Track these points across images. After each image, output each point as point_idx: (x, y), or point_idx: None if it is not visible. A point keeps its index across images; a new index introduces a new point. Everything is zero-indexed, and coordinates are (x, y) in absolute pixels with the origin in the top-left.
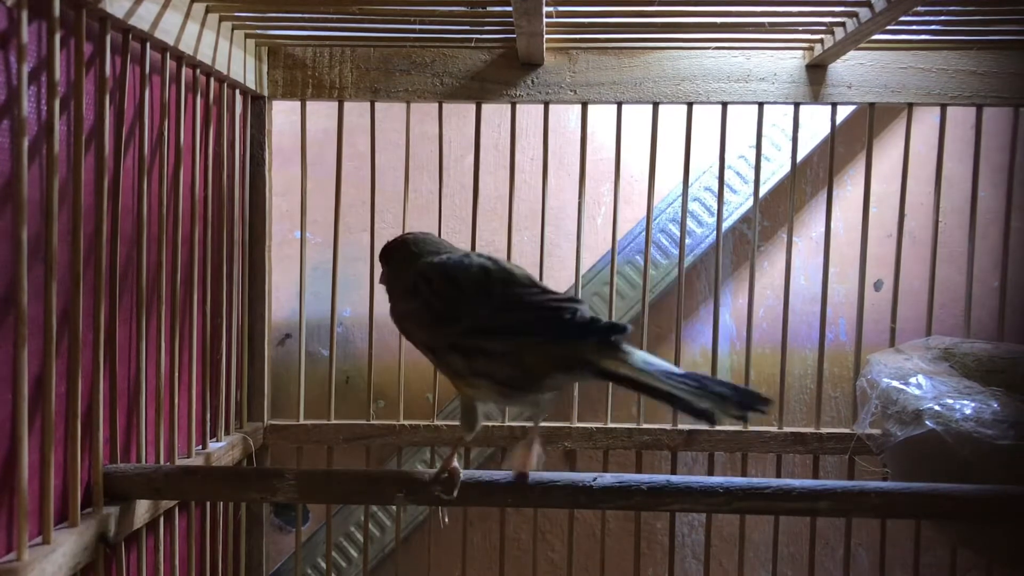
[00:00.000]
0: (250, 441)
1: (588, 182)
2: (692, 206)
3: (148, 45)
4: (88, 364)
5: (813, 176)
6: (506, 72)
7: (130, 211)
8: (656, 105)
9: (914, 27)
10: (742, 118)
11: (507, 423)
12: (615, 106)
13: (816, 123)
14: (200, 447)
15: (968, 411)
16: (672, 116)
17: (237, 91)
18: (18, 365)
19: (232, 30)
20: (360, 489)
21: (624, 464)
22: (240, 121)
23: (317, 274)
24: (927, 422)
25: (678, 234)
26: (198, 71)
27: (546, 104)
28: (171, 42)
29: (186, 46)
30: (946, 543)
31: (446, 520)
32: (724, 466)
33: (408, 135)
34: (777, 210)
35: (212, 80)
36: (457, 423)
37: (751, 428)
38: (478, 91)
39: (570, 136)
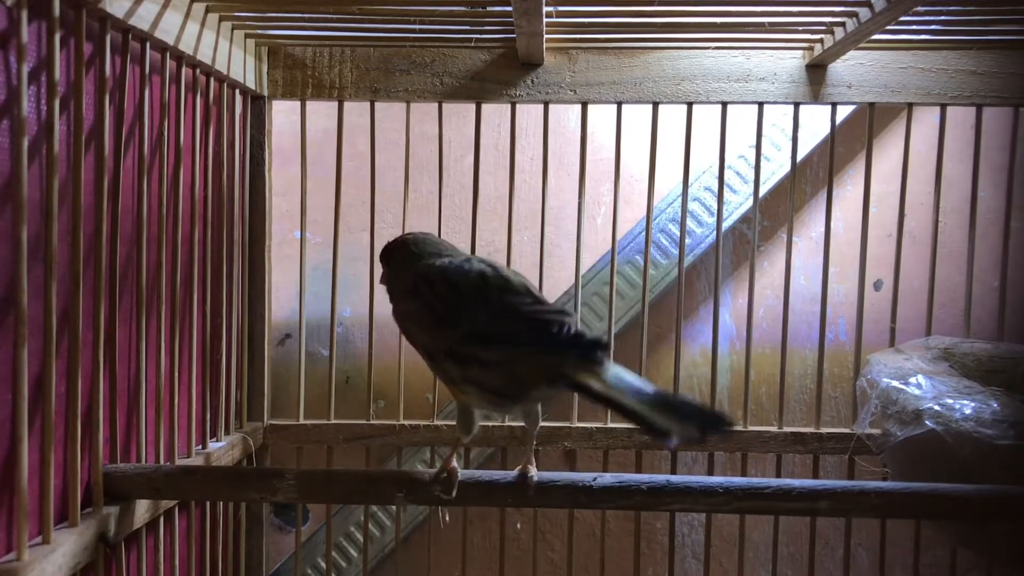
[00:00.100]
0: (250, 441)
1: (588, 182)
2: (692, 206)
3: (148, 45)
4: (88, 364)
5: (813, 176)
6: (506, 72)
7: (130, 211)
8: (656, 105)
9: (914, 27)
10: (742, 118)
11: (507, 423)
12: (615, 106)
13: (816, 123)
14: (200, 447)
15: (968, 411)
16: (672, 116)
17: (237, 91)
18: (18, 365)
19: (232, 30)
20: (360, 489)
21: (624, 464)
22: (240, 121)
23: (317, 274)
24: (927, 422)
25: (678, 234)
26: (198, 71)
27: (546, 104)
28: (171, 42)
29: (186, 46)
30: (946, 543)
31: (446, 520)
32: (724, 466)
33: (408, 135)
34: (777, 210)
35: (212, 80)
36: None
37: (751, 428)
38: (478, 91)
39: (570, 136)
